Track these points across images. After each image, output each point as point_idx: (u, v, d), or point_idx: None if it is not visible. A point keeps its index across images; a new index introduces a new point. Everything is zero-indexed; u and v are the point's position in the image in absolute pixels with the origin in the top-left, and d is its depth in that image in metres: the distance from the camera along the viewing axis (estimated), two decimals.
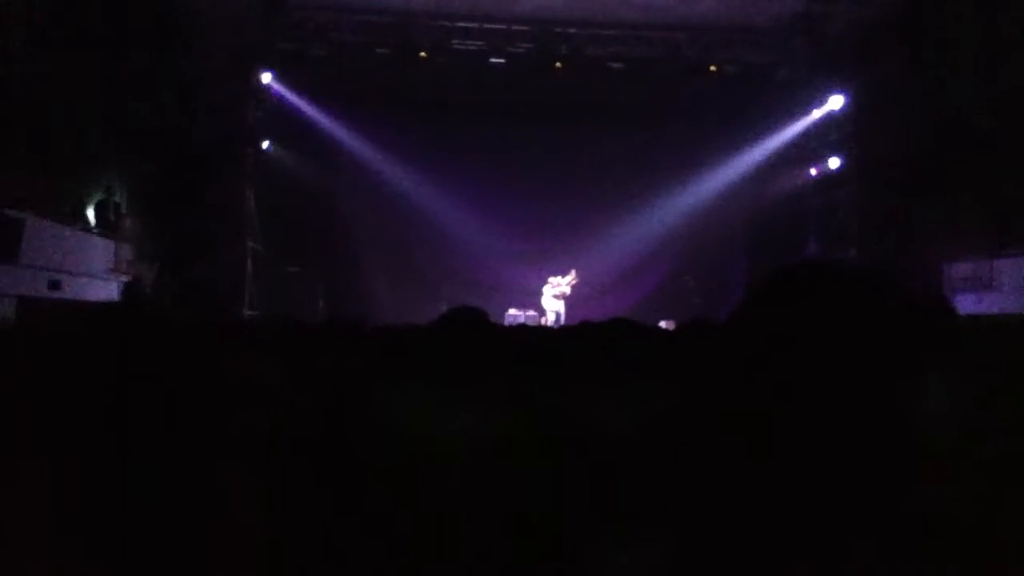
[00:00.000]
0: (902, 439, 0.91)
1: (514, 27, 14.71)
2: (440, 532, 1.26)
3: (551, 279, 15.27)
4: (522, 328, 6.00)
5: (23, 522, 1.04)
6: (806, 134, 15.85)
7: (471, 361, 1.83)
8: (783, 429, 0.90)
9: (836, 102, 14.94)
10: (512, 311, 14.78)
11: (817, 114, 15.45)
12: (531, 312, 15.05)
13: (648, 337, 2.93)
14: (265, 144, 14.68)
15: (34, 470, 1.07)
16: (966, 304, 11.55)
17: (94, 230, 11.45)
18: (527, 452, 1.32)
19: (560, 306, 15.09)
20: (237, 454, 1.21)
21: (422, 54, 14.55)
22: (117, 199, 12.10)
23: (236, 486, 1.17)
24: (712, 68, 15.08)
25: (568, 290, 15.17)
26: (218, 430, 1.15)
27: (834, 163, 15.29)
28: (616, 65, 15.03)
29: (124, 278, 11.70)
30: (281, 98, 14.82)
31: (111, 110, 11.62)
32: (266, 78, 14.32)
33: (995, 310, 11.16)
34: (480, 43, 14.82)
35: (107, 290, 11.15)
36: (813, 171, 15.91)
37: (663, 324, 11.86)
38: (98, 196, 11.76)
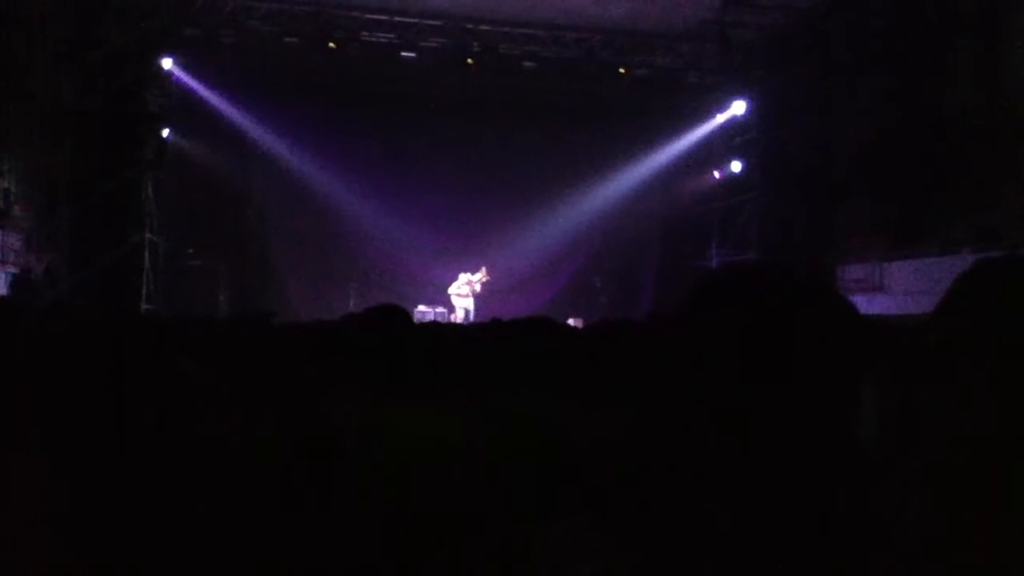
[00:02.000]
0: (850, 436, 0.93)
1: (426, 21, 14.63)
2: (395, 536, 1.24)
3: (461, 276, 15.25)
4: (443, 325, 6.00)
5: None
6: (711, 138, 16.25)
7: (406, 359, 1.81)
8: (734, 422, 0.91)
9: (739, 107, 15.37)
10: (421, 307, 14.69)
11: (721, 118, 15.86)
12: (440, 309, 15.00)
13: (570, 335, 2.94)
14: (166, 132, 14.18)
15: None
16: (857, 305, 12.05)
17: None
18: (476, 450, 1.31)
19: (470, 303, 15.08)
20: (174, 456, 1.17)
21: (332, 45, 14.32)
22: (6, 185, 11.49)
23: (174, 489, 1.13)
24: (622, 70, 15.34)
25: (479, 287, 15.18)
26: (156, 430, 1.11)
27: (736, 167, 15.72)
28: (529, 64, 15.13)
29: (11, 269, 11.13)
30: (185, 85, 14.35)
31: (4, 93, 11.03)
32: (167, 64, 13.83)
33: (883, 311, 11.68)
34: (391, 36, 14.70)
35: None
36: (717, 174, 16.32)
37: (571, 322, 12.00)
38: None
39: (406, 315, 2.40)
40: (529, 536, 1.10)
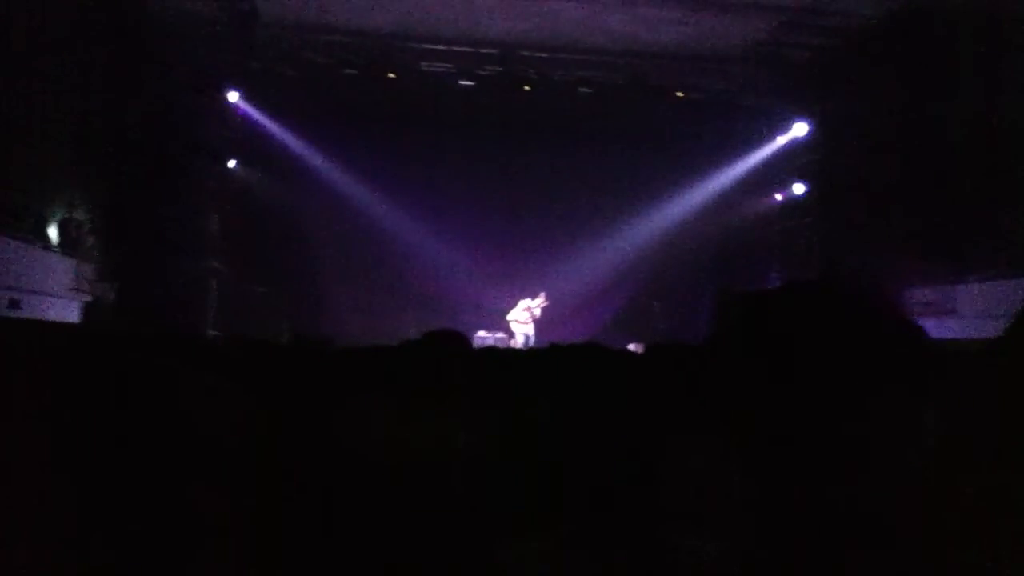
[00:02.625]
0: (888, 451, 0.91)
1: (482, 50, 14.81)
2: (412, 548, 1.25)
3: (521, 301, 15.27)
4: (501, 351, 5.99)
5: None
6: (771, 161, 16.07)
7: (456, 382, 1.82)
8: (777, 440, 0.90)
9: (800, 129, 15.18)
10: (481, 333, 14.72)
11: (782, 141, 15.68)
12: (500, 334, 15.02)
13: (625, 360, 2.92)
14: (232, 163, 14.58)
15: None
16: (926, 329, 11.70)
17: (55, 248, 11.25)
18: (515, 468, 1.32)
19: (530, 329, 15.08)
20: (214, 472, 1.19)
21: (391, 75, 14.58)
22: (79, 216, 11.91)
23: (212, 502, 1.15)
24: (679, 94, 15.29)
25: (539, 312, 15.17)
26: (197, 449, 1.13)
27: (798, 190, 15.51)
28: (584, 89, 15.18)
29: (86, 297, 11.50)
30: (248, 117, 14.74)
31: (76, 126, 11.47)
32: (233, 97, 14.24)
33: (953, 336, 11.32)
34: (448, 65, 14.90)
35: (68, 309, 10.95)
36: (778, 197, 16.12)
37: (632, 347, 11.90)
38: (60, 213, 11.57)
39: (465, 340, 2.39)
40: (505, 549, 1.10)
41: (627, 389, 2.24)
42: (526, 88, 15.00)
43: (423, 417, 1.76)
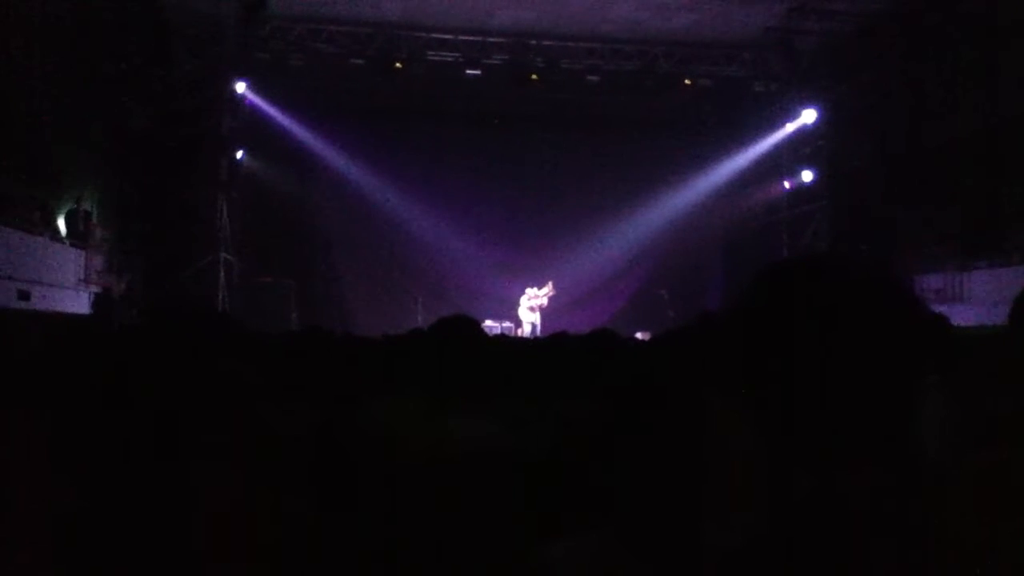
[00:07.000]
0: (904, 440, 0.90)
1: (489, 39, 14.77)
2: (432, 536, 1.25)
3: (528, 290, 15.25)
4: (512, 339, 5.98)
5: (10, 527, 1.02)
6: (780, 147, 15.99)
7: (472, 369, 1.81)
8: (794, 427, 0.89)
9: (809, 116, 15.10)
10: (488, 322, 14.70)
11: (791, 128, 15.60)
12: (507, 323, 15.01)
13: (635, 345, 2.92)
14: (239, 154, 14.57)
15: (21, 476, 1.05)
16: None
17: (64, 240, 11.27)
18: (530, 457, 1.31)
19: (536, 317, 15.07)
20: (232, 460, 1.19)
21: (398, 65, 14.55)
22: (88, 208, 11.93)
23: (231, 492, 1.15)
24: (687, 82, 15.22)
25: (545, 301, 15.15)
26: (214, 437, 1.13)
27: (807, 176, 15.44)
28: (592, 78, 15.12)
29: (94, 289, 11.53)
30: (256, 108, 14.72)
31: (83, 118, 11.48)
32: (240, 87, 14.22)
33: (965, 322, 11.27)
34: (456, 54, 14.86)
35: (77, 301, 10.97)
36: (787, 184, 16.05)
37: (639, 336, 11.88)
38: (68, 205, 11.58)
39: (477, 326, 2.35)
40: (533, 551, 1.09)
41: (644, 380, 2.22)
42: (533, 77, 14.95)
43: (452, 416, 1.74)
